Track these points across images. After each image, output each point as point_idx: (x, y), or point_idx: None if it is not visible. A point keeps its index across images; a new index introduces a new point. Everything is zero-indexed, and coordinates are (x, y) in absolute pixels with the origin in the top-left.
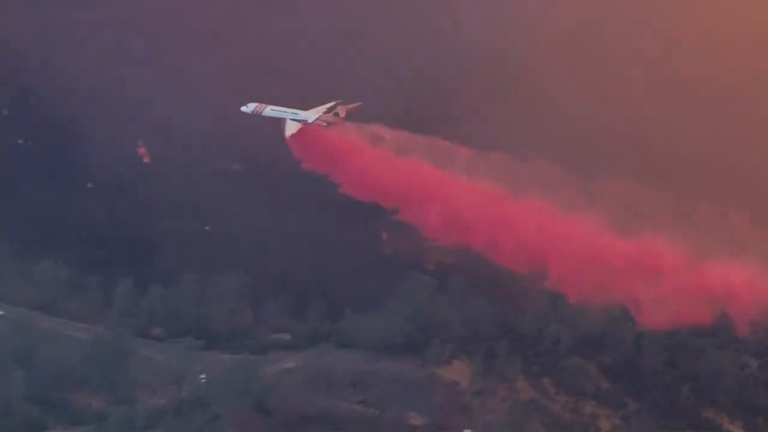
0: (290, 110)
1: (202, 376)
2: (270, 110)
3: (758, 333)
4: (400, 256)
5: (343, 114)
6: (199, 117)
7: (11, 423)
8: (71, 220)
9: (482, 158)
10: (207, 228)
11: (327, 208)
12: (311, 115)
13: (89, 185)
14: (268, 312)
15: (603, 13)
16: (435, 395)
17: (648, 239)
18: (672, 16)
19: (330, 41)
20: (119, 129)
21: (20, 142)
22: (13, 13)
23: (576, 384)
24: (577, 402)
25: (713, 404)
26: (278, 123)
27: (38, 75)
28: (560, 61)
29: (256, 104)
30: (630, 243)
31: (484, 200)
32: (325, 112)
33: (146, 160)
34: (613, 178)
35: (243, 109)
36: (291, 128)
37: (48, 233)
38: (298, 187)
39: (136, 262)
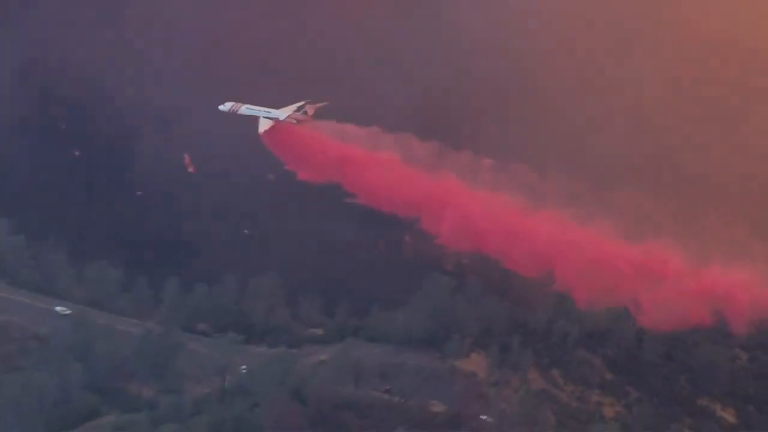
0: (263, 109)
1: (243, 367)
2: (245, 108)
3: (751, 330)
4: (422, 258)
5: (311, 112)
6: (237, 130)
7: (71, 410)
8: (123, 226)
9: (501, 169)
10: (246, 232)
11: (355, 215)
12: (282, 113)
13: (138, 193)
14: (302, 309)
15: (619, 32)
16: (454, 385)
17: (652, 246)
18: (689, 36)
19: (358, 60)
20: (166, 142)
21: (77, 153)
22: (71, 34)
23: (582, 375)
24: (584, 391)
25: (707, 393)
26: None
27: (94, 92)
28: (578, 78)
29: (233, 103)
30: (635, 250)
31: (497, 210)
32: (295, 111)
33: (191, 170)
34: (624, 189)
35: (221, 107)
36: (264, 125)
37: (102, 237)
38: (328, 196)
39: (182, 263)
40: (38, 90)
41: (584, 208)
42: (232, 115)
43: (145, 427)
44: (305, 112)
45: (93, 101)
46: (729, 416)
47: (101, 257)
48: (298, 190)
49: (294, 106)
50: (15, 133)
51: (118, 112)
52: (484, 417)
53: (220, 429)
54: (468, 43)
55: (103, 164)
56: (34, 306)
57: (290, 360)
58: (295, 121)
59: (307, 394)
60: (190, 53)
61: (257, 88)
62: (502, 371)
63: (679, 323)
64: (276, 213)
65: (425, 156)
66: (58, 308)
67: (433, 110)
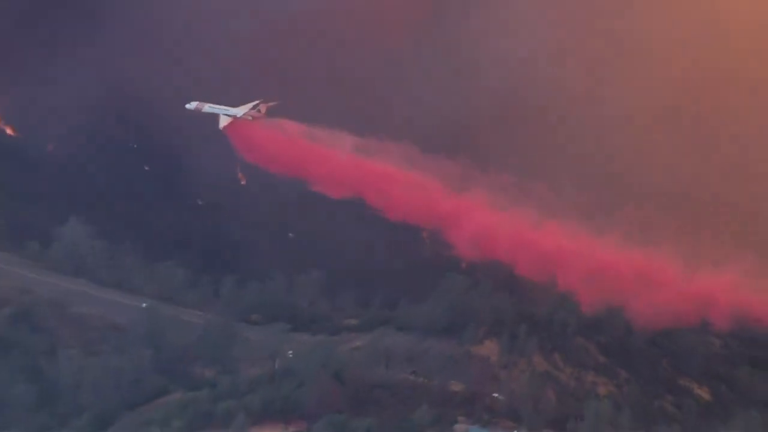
0: (222, 107)
1: (290, 352)
2: (208, 107)
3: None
4: (442, 259)
5: (263, 110)
6: None
7: (143, 389)
8: (187, 231)
9: (515, 185)
10: (291, 235)
11: (384, 222)
12: (239, 111)
13: (200, 202)
14: (340, 303)
15: (625, 54)
16: (470, 367)
17: (650, 254)
18: (695, 55)
19: (383, 78)
20: (221, 157)
21: (146, 168)
22: (137, 56)
23: (579, 359)
24: (580, 373)
25: (686, 374)
26: None
27: (161, 117)
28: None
29: (197, 102)
30: (634, 257)
31: (509, 225)
32: (250, 109)
33: (243, 182)
34: (627, 203)
35: (187, 106)
36: (223, 121)
37: (169, 241)
38: (361, 206)
39: (237, 263)
40: (114, 114)
41: (592, 219)
42: (197, 113)
43: (206, 403)
44: (259, 110)
45: (161, 125)
46: (704, 394)
47: (169, 258)
48: (333, 200)
49: (249, 105)
50: (96, 153)
51: (181, 134)
52: (496, 395)
53: (271, 405)
54: (487, 69)
55: (169, 178)
56: (112, 300)
57: (330, 346)
58: (250, 118)
59: (344, 376)
60: (241, 78)
61: (306, 110)
62: (511, 356)
63: (668, 322)
64: (315, 220)
65: (448, 175)
66: (144, 304)
67: (451, 127)
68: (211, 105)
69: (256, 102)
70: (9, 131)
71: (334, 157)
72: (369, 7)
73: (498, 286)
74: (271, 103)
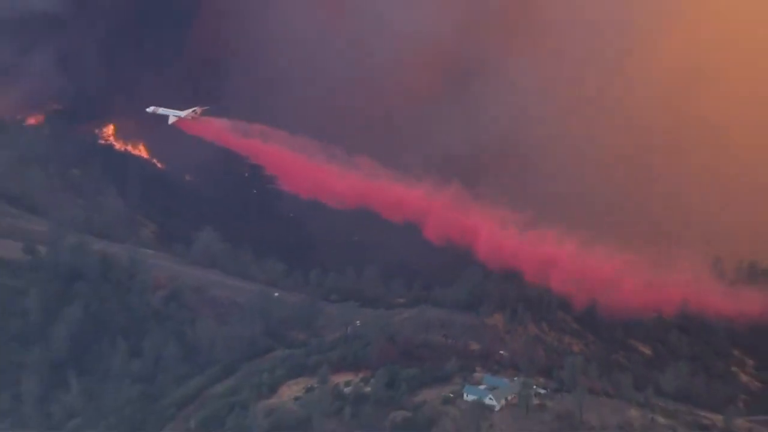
0: (171, 110)
1: (358, 322)
2: (161, 110)
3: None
4: (466, 255)
5: (199, 113)
6: None
7: (256, 348)
8: (284, 235)
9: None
10: (355, 239)
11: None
12: (182, 113)
13: (291, 215)
14: (392, 286)
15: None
16: (485, 333)
17: (618, 259)
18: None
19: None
20: None
21: (254, 191)
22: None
23: (560, 327)
24: (561, 336)
25: (634, 337)
26: None
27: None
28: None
29: (154, 107)
30: (608, 262)
31: (511, 237)
32: (190, 112)
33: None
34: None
35: (147, 110)
36: (171, 119)
37: (272, 242)
38: (408, 224)
39: (320, 258)
40: (230, 152)
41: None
42: (153, 114)
43: (300, 357)
44: (195, 112)
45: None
46: (647, 350)
47: (273, 255)
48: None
49: (190, 110)
50: (220, 180)
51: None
52: (502, 352)
53: (345, 359)
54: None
55: (270, 198)
56: (235, 285)
57: (387, 317)
58: (190, 118)
59: (397, 338)
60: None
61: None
62: (512, 325)
63: (631, 310)
64: (373, 229)
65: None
66: (276, 294)
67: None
68: (163, 109)
69: (196, 108)
70: (159, 165)
71: (254, 145)
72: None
73: (503, 277)
74: (206, 107)
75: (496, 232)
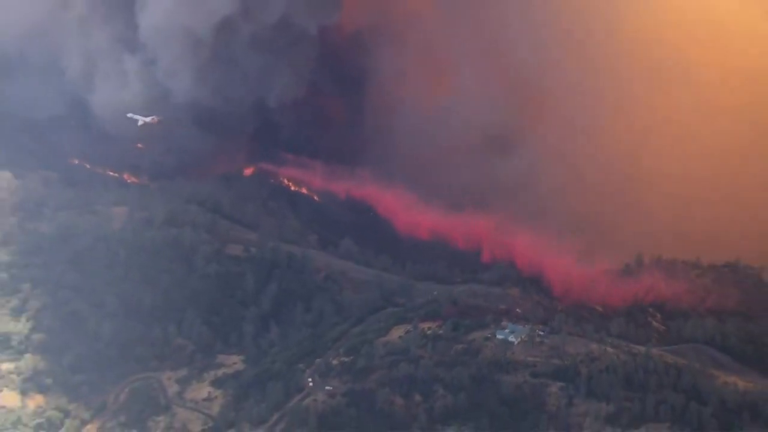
0: (139, 116)
1: (435, 292)
2: (130, 114)
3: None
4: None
5: (156, 120)
6: None
7: (376, 306)
8: (390, 245)
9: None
10: (435, 251)
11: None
12: (147, 118)
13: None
14: (455, 272)
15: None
16: (508, 299)
17: (578, 250)
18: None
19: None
20: None
21: (371, 215)
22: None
23: (551, 297)
24: (552, 302)
25: (591, 309)
26: None
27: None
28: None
29: (131, 114)
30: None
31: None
32: (152, 118)
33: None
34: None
35: (127, 115)
36: (140, 122)
37: (382, 248)
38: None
39: (412, 258)
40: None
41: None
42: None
43: (402, 313)
44: (153, 119)
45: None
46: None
47: (384, 253)
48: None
49: (152, 116)
50: (355, 209)
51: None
52: (518, 310)
53: (428, 315)
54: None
55: (382, 221)
56: (364, 270)
57: (451, 290)
58: (152, 121)
59: (458, 302)
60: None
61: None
62: (523, 295)
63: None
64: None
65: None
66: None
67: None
68: (132, 114)
69: (153, 116)
70: (316, 198)
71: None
72: None
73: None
74: (160, 117)
75: (493, 238)
